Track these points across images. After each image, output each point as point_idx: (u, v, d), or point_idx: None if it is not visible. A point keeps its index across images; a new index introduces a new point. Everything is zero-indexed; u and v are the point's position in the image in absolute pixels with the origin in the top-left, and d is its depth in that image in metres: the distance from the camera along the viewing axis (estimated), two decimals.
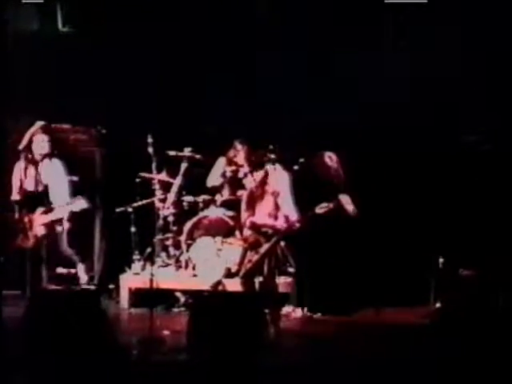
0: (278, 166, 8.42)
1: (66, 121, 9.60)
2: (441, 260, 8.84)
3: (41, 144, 8.47)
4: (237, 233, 8.88)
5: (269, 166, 8.39)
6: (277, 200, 8.25)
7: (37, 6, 9.19)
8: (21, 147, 8.55)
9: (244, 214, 8.41)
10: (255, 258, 8.16)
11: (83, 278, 8.96)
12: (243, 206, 8.46)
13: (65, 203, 8.35)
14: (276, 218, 8.26)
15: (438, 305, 8.76)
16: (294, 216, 8.19)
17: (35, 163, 8.48)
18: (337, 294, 8.67)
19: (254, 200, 8.36)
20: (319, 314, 8.76)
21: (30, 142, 8.49)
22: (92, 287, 9.26)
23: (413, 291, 8.85)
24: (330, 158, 8.95)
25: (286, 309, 8.84)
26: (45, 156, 8.46)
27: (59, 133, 9.52)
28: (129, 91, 9.50)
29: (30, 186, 8.51)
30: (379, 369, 6.87)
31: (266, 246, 8.13)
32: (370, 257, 9.07)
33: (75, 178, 9.26)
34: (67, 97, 9.48)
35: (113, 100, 9.56)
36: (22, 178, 8.55)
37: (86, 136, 9.68)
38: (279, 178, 8.36)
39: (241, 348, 6.45)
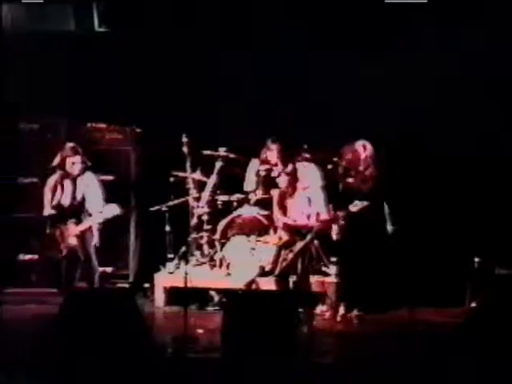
0: (307, 163, 8.45)
1: (102, 120, 9.72)
2: (476, 259, 8.85)
3: (73, 166, 8.56)
4: (271, 232, 8.87)
5: (298, 163, 8.40)
6: (309, 196, 8.25)
7: (73, 6, 9.32)
8: (54, 164, 8.64)
9: (276, 214, 8.42)
10: (290, 256, 8.17)
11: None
12: (275, 206, 8.48)
13: (97, 212, 8.46)
14: (308, 216, 8.24)
15: (473, 304, 8.75)
16: (325, 214, 8.20)
17: (71, 178, 8.59)
18: (372, 293, 8.62)
19: (285, 199, 8.37)
20: (354, 313, 8.73)
21: (63, 162, 8.59)
22: (127, 286, 9.40)
23: (448, 291, 8.86)
24: (364, 147, 8.81)
25: (320, 308, 8.82)
26: (79, 173, 8.59)
27: (95, 132, 9.72)
28: (164, 90, 9.60)
29: (66, 200, 8.60)
30: (412, 368, 6.86)
31: (299, 245, 8.11)
32: (406, 256, 8.94)
33: (110, 178, 9.38)
34: (103, 96, 9.61)
35: (148, 99, 9.64)
36: (56, 192, 8.62)
37: (121, 135, 9.75)
38: (309, 173, 8.37)
39: (275, 347, 6.42)
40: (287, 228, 8.31)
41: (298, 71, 9.62)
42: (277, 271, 8.27)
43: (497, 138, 9.45)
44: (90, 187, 8.53)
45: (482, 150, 9.45)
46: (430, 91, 9.38)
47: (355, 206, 8.10)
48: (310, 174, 8.40)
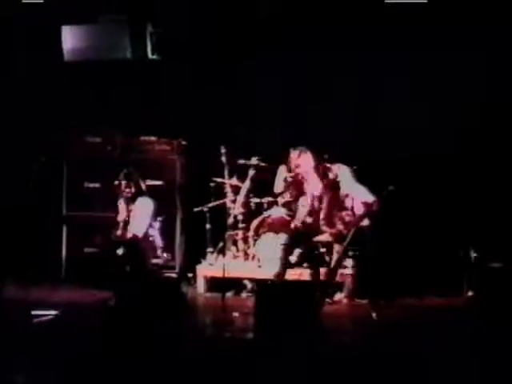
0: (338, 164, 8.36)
1: (153, 134, 9.75)
2: (473, 254, 8.77)
3: (126, 190, 8.59)
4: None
5: (330, 166, 8.33)
6: (348, 192, 8.21)
7: (130, 38, 9.24)
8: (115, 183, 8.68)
9: (333, 214, 8.28)
10: (341, 248, 8.12)
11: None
12: (327, 208, 8.34)
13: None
14: (352, 208, 8.18)
15: (470, 293, 8.72)
16: (370, 199, 8.07)
17: (124, 200, 8.63)
18: (384, 283, 8.44)
19: (334, 199, 8.30)
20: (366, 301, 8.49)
21: (119, 185, 8.63)
22: (174, 275, 9.31)
23: (449, 281, 8.76)
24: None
25: (339, 295, 8.79)
26: (135, 194, 8.61)
27: (146, 144, 9.77)
28: (205, 109, 9.61)
29: (121, 217, 8.67)
30: (418, 344, 6.81)
31: (349, 236, 8.02)
32: (414, 252, 8.96)
33: (159, 183, 9.48)
34: (154, 113, 9.62)
35: (192, 117, 9.63)
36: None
37: (168, 147, 9.76)
38: (342, 172, 8.30)
39: (298, 327, 6.48)
40: (344, 222, 8.17)
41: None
42: (333, 263, 8.20)
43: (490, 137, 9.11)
44: (137, 214, 8.50)
45: (479, 149, 9.11)
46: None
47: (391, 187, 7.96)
48: (342, 173, 8.33)
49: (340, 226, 8.22)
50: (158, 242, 8.76)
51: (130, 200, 8.56)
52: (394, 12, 8.71)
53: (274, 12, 9.09)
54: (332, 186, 8.28)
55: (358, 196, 8.17)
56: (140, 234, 8.47)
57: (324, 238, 8.49)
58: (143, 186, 8.63)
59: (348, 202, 8.20)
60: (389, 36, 8.93)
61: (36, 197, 9.15)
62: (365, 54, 9.02)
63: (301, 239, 8.52)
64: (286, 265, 8.40)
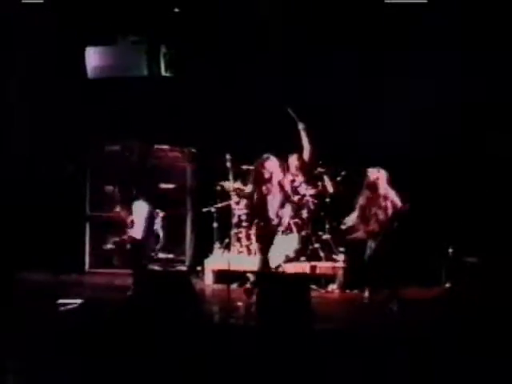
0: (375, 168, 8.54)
1: (166, 143, 10.20)
2: (450, 249, 9.03)
3: (119, 192, 9.23)
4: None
5: (371, 169, 8.49)
6: (386, 195, 8.51)
7: (146, 57, 9.64)
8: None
9: (373, 214, 8.49)
10: (375, 244, 8.48)
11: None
12: (360, 212, 8.57)
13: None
14: (386, 208, 8.47)
15: (447, 285, 9.04)
16: (398, 203, 8.42)
17: (120, 201, 9.12)
18: (371, 275, 8.66)
19: (373, 202, 8.52)
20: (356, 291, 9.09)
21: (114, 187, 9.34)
22: (184, 268, 9.82)
23: (429, 274, 9.07)
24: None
25: (332, 286, 9.27)
26: (126, 197, 8.95)
27: (160, 152, 10.23)
28: (212, 120, 9.98)
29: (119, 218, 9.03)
30: (401, 330, 7.30)
31: (381, 235, 8.42)
32: (397, 247, 8.77)
33: (171, 186, 10.01)
34: (167, 124, 10.02)
35: (201, 127, 10.01)
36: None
37: (180, 154, 10.20)
38: (381, 176, 8.53)
39: (295, 315, 6.84)
40: (378, 221, 8.45)
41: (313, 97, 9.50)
42: (367, 258, 8.42)
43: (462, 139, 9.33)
44: (134, 218, 8.80)
45: (465, 153, 9.35)
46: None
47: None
48: (382, 177, 8.49)
49: (374, 225, 8.45)
50: (159, 240, 9.25)
51: (122, 202, 8.97)
52: (393, 12, 8.71)
53: (274, 14, 9.29)
54: (369, 188, 8.49)
55: (390, 196, 8.46)
56: (139, 236, 8.68)
57: (359, 235, 8.69)
58: (134, 191, 8.88)
59: (383, 203, 8.46)
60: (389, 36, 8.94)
61: (64, 198, 9.71)
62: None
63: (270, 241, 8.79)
64: (266, 264, 8.72)
